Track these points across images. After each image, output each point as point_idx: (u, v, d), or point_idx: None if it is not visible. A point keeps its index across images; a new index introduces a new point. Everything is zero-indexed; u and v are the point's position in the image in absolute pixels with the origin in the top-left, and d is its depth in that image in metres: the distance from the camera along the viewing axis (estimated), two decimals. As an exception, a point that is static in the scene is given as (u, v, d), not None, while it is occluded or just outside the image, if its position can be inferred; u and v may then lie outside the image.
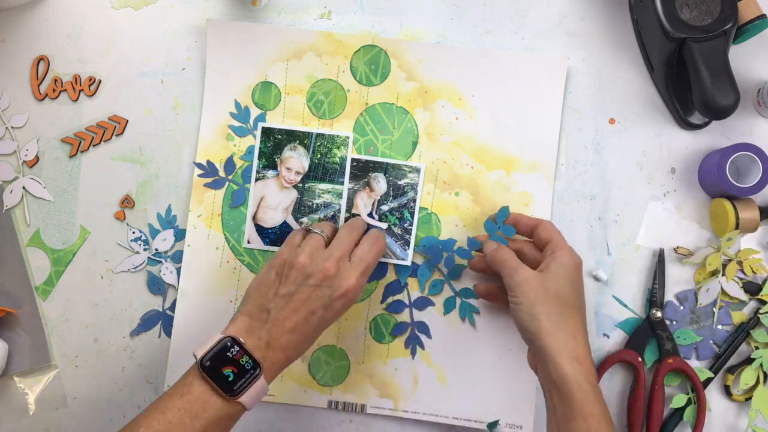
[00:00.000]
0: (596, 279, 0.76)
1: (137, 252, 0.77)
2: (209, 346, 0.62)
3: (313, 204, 0.76)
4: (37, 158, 0.78)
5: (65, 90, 0.79)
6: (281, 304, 0.64)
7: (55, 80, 0.79)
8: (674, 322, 0.76)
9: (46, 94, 0.79)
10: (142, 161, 0.78)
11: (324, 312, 0.64)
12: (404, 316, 0.76)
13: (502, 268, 0.68)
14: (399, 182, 0.76)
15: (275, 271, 0.66)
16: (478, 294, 0.75)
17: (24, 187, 0.78)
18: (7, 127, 0.78)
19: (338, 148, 0.77)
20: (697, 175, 0.77)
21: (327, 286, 0.64)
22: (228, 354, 0.61)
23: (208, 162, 0.77)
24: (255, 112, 0.77)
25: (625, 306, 0.76)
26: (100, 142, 0.78)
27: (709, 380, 0.75)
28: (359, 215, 0.76)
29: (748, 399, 0.74)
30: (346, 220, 0.76)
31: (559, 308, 0.64)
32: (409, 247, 0.76)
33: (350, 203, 0.76)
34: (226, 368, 0.61)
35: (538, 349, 0.64)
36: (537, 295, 0.64)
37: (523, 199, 0.76)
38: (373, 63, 0.77)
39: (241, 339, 0.62)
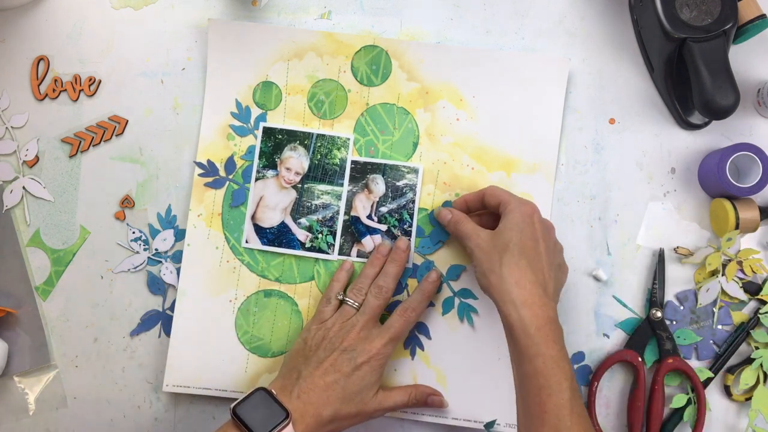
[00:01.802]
0: (596, 279, 0.76)
1: (137, 252, 0.77)
2: (242, 397, 0.66)
3: (311, 205, 0.76)
4: (37, 158, 0.78)
5: (65, 90, 0.79)
6: (311, 368, 0.68)
7: (55, 80, 0.79)
8: (674, 322, 0.76)
9: (46, 94, 0.79)
10: (142, 161, 0.78)
11: (353, 373, 0.68)
12: (404, 316, 0.76)
13: (461, 239, 0.71)
14: (397, 183, 0.76)
15: (304, 339, 0.71)
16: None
17: (24, 187, 0.78)
18: (7, 127, 0.78)
19: (338, 149, 0.77)
20: (697, 175, 0.77)
21: (351, 349, 0.68)
22: None
23: (209, 161, 0.77)
24: (256, 111, 0.77)
25: (625, 306, 0.76)
26: (100, 142, 0.78)
27: (709, 380, 0.75)
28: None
29: (748, 399, 0.75)
30: (345, 222, 0.76)
31: (502, 259, 0.65)
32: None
33: (349, 205, 0.76)
34: None
35: (495, 305, 0.65)
36: (486, 255, 0.67)
37: (523, 200, 0.76)
38: (374, 63, 0.77)
39: (272, 390, 0.66)
